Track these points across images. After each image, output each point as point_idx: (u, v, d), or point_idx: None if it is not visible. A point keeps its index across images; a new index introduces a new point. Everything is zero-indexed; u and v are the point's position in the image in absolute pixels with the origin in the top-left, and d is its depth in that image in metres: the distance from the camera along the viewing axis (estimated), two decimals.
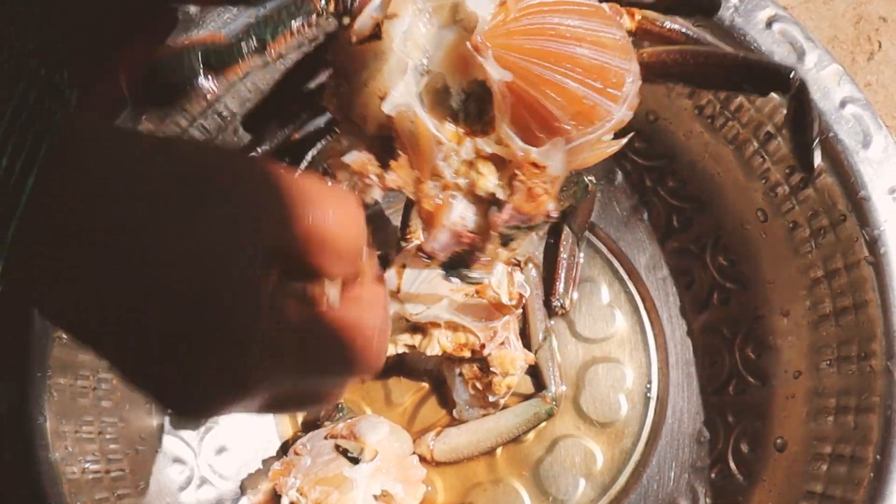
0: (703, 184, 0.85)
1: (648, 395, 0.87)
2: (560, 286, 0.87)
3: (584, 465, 0.86)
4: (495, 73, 0.54)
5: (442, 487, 0.86)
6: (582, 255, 0.88)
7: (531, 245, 0.88)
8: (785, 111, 0.62)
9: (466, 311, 0.81)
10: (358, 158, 0.57)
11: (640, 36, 0.63)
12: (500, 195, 0.56)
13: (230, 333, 0.46)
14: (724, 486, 0.83)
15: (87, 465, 0.79)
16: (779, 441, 0.81)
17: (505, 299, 0.83)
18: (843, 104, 0.76)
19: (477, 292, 0.82)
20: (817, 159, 0.61)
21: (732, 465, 0.83)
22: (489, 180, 0.57)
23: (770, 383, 0.83)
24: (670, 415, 0.86)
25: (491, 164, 0.57)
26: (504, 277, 0.84)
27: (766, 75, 0.57)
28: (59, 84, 0.45)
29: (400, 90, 0.56)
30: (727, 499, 0.83)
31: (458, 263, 0.58)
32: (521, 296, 0.84)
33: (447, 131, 0.57)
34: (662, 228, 0.87)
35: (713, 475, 0.84)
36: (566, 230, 0.87)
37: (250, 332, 0.46)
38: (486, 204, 0.57)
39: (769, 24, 0.77)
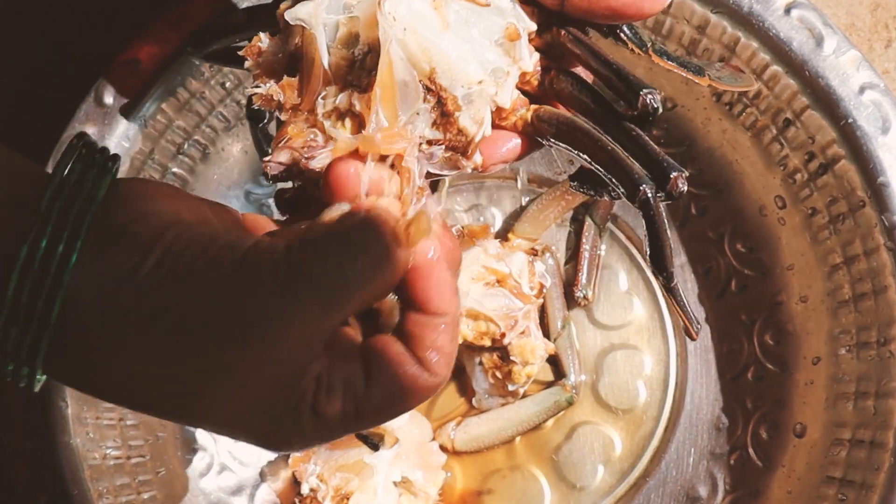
0: (722, 171, 0.85)
1: (667, 381, 0.87)
2: (583, 277, 0.87)
3: (603, 452, 0.86)
4: (385, 34, 0.55)
5: (461, 474, 0.86)
6: (604, 246, 0.88)
7: (550, 235, 0.89)
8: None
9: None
10: (268, 89, 0.58)
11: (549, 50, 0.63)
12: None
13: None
14: (742, 473, 0.84)
15: (108, 451, 0.79)
16: (798, 427, 0.81)
17: (526, 289, 0.83)
18: (862, 90, 0.77)
19: (498, 281, 0.82)
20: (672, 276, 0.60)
21: (751, 451, 0.83)
22: (342, 134, 0.57)
23: (789, 369, 0.83)
24: (689, 401, 0.86)
25: (353, 122, 0.57)
26: (525, 267, 0.84)
27: (623, 181, 0.57)
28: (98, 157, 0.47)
29: (308, 8, 0.57)
30: (746, 485, 0.83)
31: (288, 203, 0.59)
32: (541, 285, 0.85)
33: (338, 72, 0.57)
34: (680, 215, 0.87)
35: (732, 461, 0.84)
36: (588, 221, 0.87)
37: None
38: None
39: (787, 10, 0.77)
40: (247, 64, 0.59)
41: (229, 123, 0.84)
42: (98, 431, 0.79)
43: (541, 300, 0.85)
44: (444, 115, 0.57)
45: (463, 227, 0.85)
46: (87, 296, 0.45)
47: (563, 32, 0.60)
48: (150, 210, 0.47)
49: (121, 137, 0.80)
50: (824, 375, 0.80)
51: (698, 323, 0.63)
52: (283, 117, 0.58)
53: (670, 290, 0.59)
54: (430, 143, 0.57)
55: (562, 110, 0.60)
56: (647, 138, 0.56)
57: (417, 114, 0.56)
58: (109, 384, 0.47)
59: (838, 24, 0.79)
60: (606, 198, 0.60)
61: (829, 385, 0.80)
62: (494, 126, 0.60)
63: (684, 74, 0.60)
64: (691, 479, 0.85)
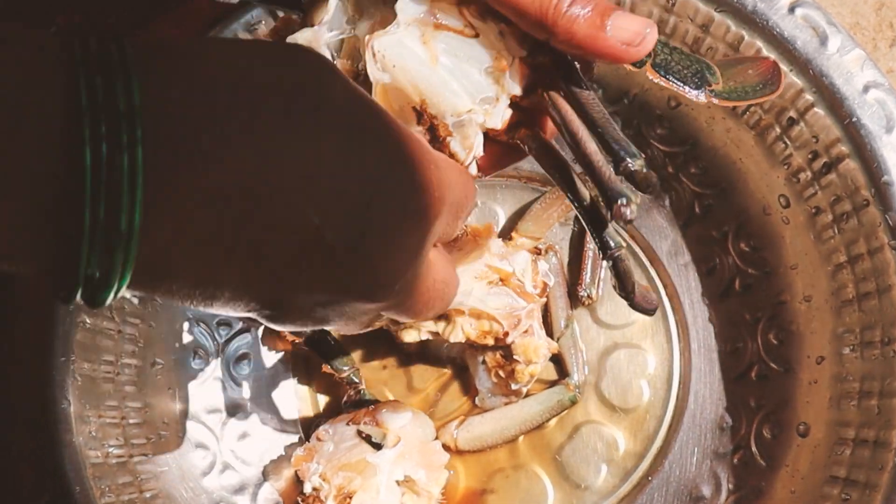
0: (725, 170, 0.85)
1: (670, 380, 0.87)
2: (587, 276, 0.87)
3: (607, 451, 0.86)
4: (374, 72, 0.57)
5: (464, 473, 0.86)
6: None
7: (554, 234, 0.88)
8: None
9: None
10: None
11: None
12: None
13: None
14: (746, 472, 0.83)
15: (110, 450, 0.79)
16: (802, 426, 0.81)
17: (529, 287, 0.83)
18: (866, 89, 0.76)
19: (501, 280, 0.82)
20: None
21: (755, 450, 0.83)
22: None
23: (793, 369, 0.83)
24: (692, 401, 0.86)
25: None
26: (528, 266, 0.84)
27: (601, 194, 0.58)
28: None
29: (306, 34, 0.59)
30: (749, 484, 0.83)
31: None
32: (545, 284, 0.84)
33: None
34: (684, 215, 0.87)
35: (735, 461, 0.84)
36: None
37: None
38: None
39: (792, 9, 0.77)
40: None
41: None
42: (100, 430, 0.79)
43: (544, 299, 0.85)
44: (435, 140, 0.59)
45: (466, 227, 0.85)
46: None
47: (547, 93, 0.61)
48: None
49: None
50: (828, 375, 0.80)
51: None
52: None
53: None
54: None
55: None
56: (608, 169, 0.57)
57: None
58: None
59: (843, 23, 0.79)
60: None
61: (833, 384, 0.79)
62: (490, 139, 0.62)
63: (681, 93, 0.61)
64: (695, 478, 0.85)
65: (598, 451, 0.86)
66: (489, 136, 0.62)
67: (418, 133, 0.58)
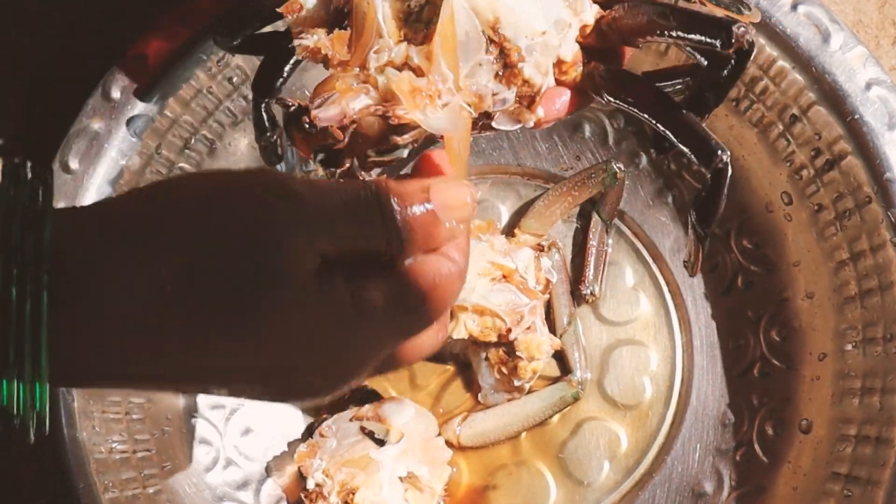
0: None
1: (673, 377, 0.87)
2: (589, 273, 0.87)
3: (609, 448, 0.86)
4: None
5: (467, 469, 0.86)
6: (611, 241, 0.88)
7: (556, 230, 0.89)
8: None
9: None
10: (315, 41, 0.58)
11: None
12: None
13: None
14: (748, 469, 0.84)
15: (113, 445, 0.79)
16: (804, 423, 0.81)
17: (532, 284, 0.83)
18: (868, 86, 0.77)
19: (504, 277, 0.82)
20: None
21: (757, 447, 0.83)
22: (403, 83, 0.56)
23: (795, 366, 0.83)
24: (695, 397, 0.86)
25: (413, 75, 0.57)
26: (531, 262, 0.84)
27: (696, 145, 0.57)
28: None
29: None
30: (752, 481, 0.83)
31: (327, 152, 0.58)
32: (548, 281, 0.85)
33: (391, 26, 0.57)
34: (687, 212, 0.87)
35: (738, 457, 0.84)
36: (595, 217, 0.87)
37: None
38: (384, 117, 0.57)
39: (794, 6, 0.77)
40: (287, 21, 0.59)
41: (236, 118, 0.84)
42: (104, 425, 0.79)
43: (547, 296, 0.85)
44: (506, 67, 0.57)
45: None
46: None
47: None
48: None
49: (128, 132, 0.80)
50: (830, 372, 0.80)
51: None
52: (330, 66, 0.57)
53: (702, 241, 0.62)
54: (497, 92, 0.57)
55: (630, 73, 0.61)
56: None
57: (480, 65, 0.56)
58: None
59: (845, 20, 0.79)
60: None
61: (835, 381, 0.80)
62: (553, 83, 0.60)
63: (733, 15, 0.59)
64: (697, 475, 0.85)
65: (601, 447, 0.86)
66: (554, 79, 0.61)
67: (488, 61, 0.57)
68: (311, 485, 0.80)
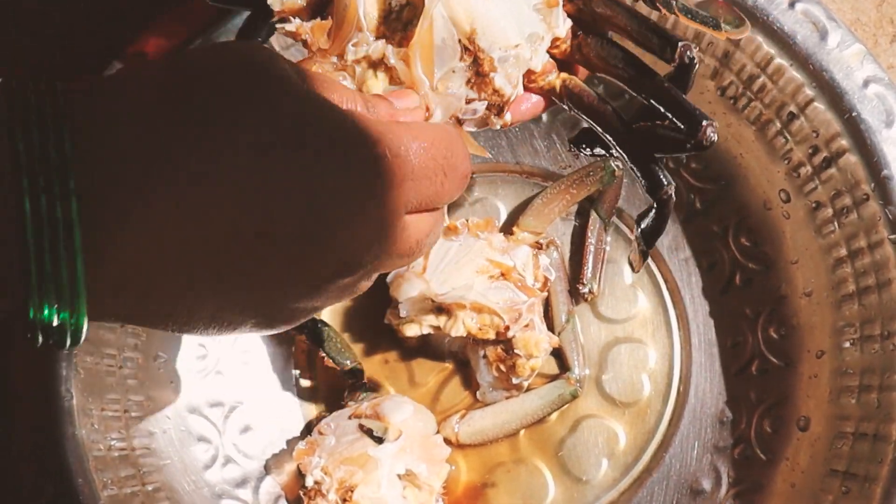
0: (726, 165, 0.85)
1: (671, 375, 0.87)
2: (588, 271, 0.87)
3: (607, 446, 0.86)
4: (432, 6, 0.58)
5: (465, 467, 0.86)
6: (609, 239, 0.88)
7: (555, 228, 0.89)
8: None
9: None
10: (298, 26, 0.59)
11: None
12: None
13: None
14: (746, 466, 0.84)
15: (112, 443, 0.79)
16: (802, 420, 0.81)
17: (530, 282, 0.83)
18: (866, 83, 0.77)
19: (502, 275, 0.82)
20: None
21: (755, 444, 0.83)
22: (377, 87, 0.58)
23: (793, 363, 0.83)
24: (693, 395, 0.86)
25: (386, 75, 0.58)
26: (529, 260, 0.84)
27: (683, 120, 0.61)
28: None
29: None
30: (750, 478, 0.83)
31: None
32: (546, 279, 0.85)
33: (371, 21, 0.58)
34: (685, 209, 0.87)
35: (736, 455, 0.84)
36: (593, 215, 0.87)
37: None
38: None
39: (792, 4, 0.77)
40: (269, 1, 0.60)
41: None
42: (103, 423, 0.79)
43: (545, 293, 0.85)
44: (479, 76, 0.60)
45: (467, 221, 0.85)
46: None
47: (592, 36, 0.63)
48: None
49: None
50: (828, 369, 0.80)
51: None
52: (308, 49, 0.59)
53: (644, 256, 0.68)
54: (469, 101, 0.59)
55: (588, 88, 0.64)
56: (677, 92, 0.58)
57: (453, 71, 0.58)
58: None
59: (843, 19, 0.79)
60: (606, 154, 0.64)
61: (833, 378, 0.80)
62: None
63: (708, 31, 0.64)
64: (695, 472, 0.85)
65: (599, 445, 0.86)
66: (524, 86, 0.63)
67: (461, 68, 0.58)
68: (309, 482, 0.80)
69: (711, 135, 0.58)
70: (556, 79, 0.64)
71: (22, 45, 0.91)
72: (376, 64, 0.58)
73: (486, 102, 0.60)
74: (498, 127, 0.62)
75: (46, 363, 0.77)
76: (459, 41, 0.58)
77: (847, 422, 0.78)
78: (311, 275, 0.51)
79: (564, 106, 0.64)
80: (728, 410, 0.85)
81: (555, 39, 0.62)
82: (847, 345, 0.79)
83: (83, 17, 0.91)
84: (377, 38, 0.58)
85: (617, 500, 0.86)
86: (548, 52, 0.63)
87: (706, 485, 0.84)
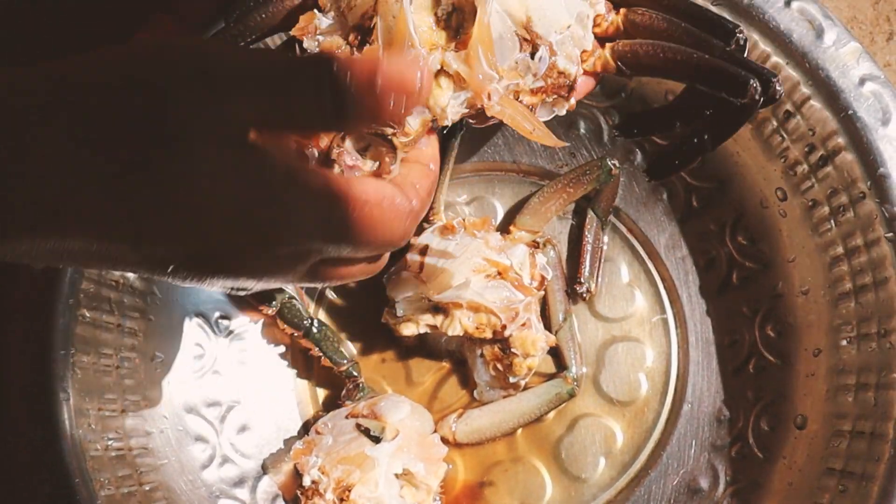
0: (723, 163, 0.85)
1: (668, 373, 0.87)
2: (585, 270, 0.87)
3: (605, 444, 0.86)
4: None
5: (463, 466, 0.86)
6: (606, 238, 0.88)
7: (552, 227, 0.89)
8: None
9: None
10: (330, 41, 0.58)
11: (627, 28, 0.67)
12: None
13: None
14: (744, 464, 0.84)
15: (109, 443, 0.79)
16: (799, 419, 0.81)
17: (527, 281, 0.83)
18: (862, 81, 0.77)
19: (499, 273, 0.82)
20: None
21: (752, 443, 0.84)
22: (445, 95, 0.58)
23: (790, 361, 0.83)
24: (690, 393, 0.86)
25: (451, 81, 0.58)
26: (526, 259, 0.84)
27: (726, 82, 0.62)
28: None
29: None
30: (747, 476, 0.83)
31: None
32: (543, 278, 0.85)
33: (423, 35, 0.58)
34: (682, 208, 0.87)
35: (733, 453, 0.84)
36: (590, 214, 0.87)
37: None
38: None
39: (788, 2, 0.78)
40: (304, 44, 0.60)
41: None
42: (100, 422, 0.79)
43: (542, 292, 0.85)
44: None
45: (464, 220, 0.85)
46: None
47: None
48: None
49: None
50: (825, 367, 0.80)
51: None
52: None
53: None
54: (535, 91, 0.59)
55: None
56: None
57: (517, 63, 0.58)
58: None
59: (840, 17, 0.79)
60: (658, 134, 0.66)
61: (830, 376, 0.80)
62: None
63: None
64: (692, 471, 0.85)
65: (597, 443, 0.86)
66: None
67: (522, 59, 0.60)
68: (307, 482, 0.80)
69: (779, 89, 0.61)
70: (603, 51, 0.65)
71: (20, 44, 0.91)
72: (437, 74, 0.58)
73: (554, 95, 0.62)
74: (565, 112, 0.64)
75: (44, 363, 0.77)
76: (516, 33, 0.59)
77: (844, 420, 0.78)
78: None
79: (623, 75, 0.66)
80: (725, 409, 0.85)
81: (596, 17, 0.64)
82: (844, 343, 0.79)
83: (83, 17, 0.91)
84: (430, 50, 0.58)
85: (614, 498, 0.86)
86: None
87: (704, 483, 0.84)
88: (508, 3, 0.59)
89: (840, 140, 0.77)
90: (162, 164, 0.49)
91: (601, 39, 0.66)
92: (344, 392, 0.86)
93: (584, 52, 0.64)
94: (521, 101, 0.61)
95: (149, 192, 0.49)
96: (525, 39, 0.60)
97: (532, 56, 0.60)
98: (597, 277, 0.88)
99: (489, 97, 0.58)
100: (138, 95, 0.49)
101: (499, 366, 0.84)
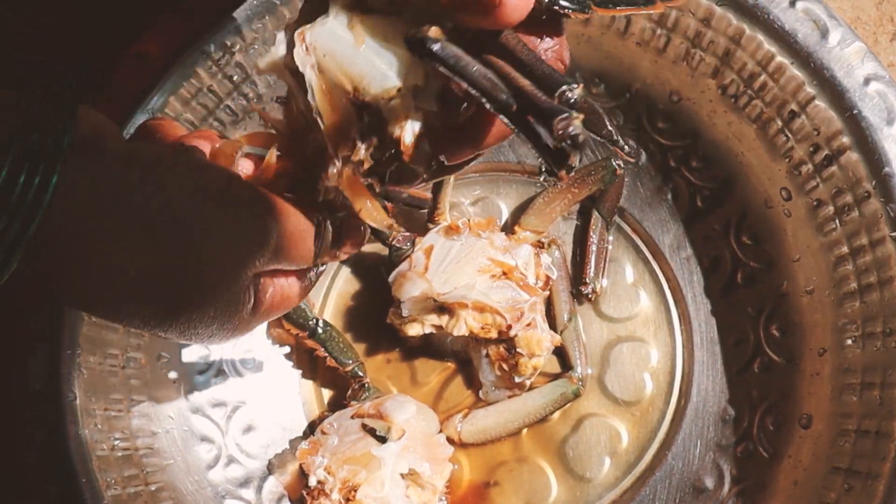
0: (727, 163, 0.85)
1: (673, 373, 0.87)
2: (590, 270, 0.87)
3: (610, 444, 0.86)
4: (306, 68, 0.54)
5: (468, 466, 0.86)
6: (611, 238, 0.88)
7: (556, 227, 0.89)
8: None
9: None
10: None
11: None
12: None
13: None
14: (749, 464, 0.84)
15: (116, 443, 0.79)
16: (804, 418, 0.81)
17: (532, 281, 0.83)
18: (867, 81, 0.77)
19: (504, 274, 0.82)
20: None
21: (757, 442, 0.83)
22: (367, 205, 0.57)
23: (795, 361, 0.83)
24: (695, 393, 0.86)
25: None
26: (531, 259, 0.84)
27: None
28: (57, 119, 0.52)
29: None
30: (752, 476, 0.83)
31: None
32: (548, 278, 0.85)
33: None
34: (686, 208, 0.88)
35: (738, 453, 0.84)
36: (595, 215, 0.87)
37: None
38: None
39: (792, 2, 0.78)
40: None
41: (237, 117, 0.84)
42: (106, 423, 0.79)
43: (547, 292, 0.85)
44: (377, 129, 0.55)
45: (469, 220, 0.86)
46: (79, 198, 0.49)
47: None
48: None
49: (129, 130, 0.80)
50: (830, 366, 0.80)
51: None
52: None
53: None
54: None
55: None
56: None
57: (360, 135, 0.54)
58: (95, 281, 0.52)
59: (844, 17, 0.80)
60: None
61: (835, 376, 0.80)
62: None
63: (640, 12, 0.59)
64: (698, 470, 0.85)
65: (602, 443, 0.86)
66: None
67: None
68: (312, 482, 0.80)
69: (569, 127, 0.51)
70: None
71: (21, 45, 0.91)
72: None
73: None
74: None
75: (50, 363, 0.77)
76: (352, 103, 0.53)
77: (849, 419, 0.78)
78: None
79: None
80: (730, 408, 0.85)
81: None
82: (849, 342, 0.79)
83: (83, 17, 0.91)
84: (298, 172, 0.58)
85: (619, 498, 0.86)
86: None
87: (709, 483, 0.84)
88: (333, 72, 0.52)
89: (845, 139, 0.77)
90: None
91: None
92: (349, 392, 0.86)
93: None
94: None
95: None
96: (361, 109, 0.56)
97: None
98: (601, 277, 0.88)
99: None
100: None
101: (504, 366, 0.84)
